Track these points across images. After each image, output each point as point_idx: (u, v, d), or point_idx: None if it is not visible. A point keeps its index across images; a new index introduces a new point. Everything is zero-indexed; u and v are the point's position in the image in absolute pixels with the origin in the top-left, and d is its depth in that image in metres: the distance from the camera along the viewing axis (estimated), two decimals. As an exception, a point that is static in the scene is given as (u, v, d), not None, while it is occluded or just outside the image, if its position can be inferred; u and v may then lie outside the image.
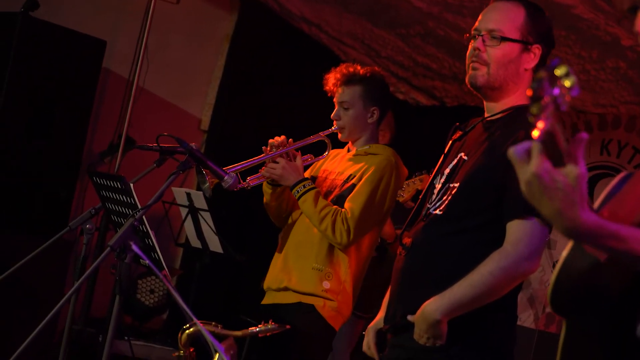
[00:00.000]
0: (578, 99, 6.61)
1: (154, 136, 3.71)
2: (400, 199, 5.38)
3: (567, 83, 1.63)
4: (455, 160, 3.17)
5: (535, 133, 1.66)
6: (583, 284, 1.97)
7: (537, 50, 3.09)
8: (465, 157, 3.14)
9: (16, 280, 3.90)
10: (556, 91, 1.63)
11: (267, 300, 4.36)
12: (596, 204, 2.02)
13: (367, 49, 7.46)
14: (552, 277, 2.00)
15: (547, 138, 1.67)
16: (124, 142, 6.64)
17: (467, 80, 3.14)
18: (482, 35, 3.09)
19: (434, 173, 3.27)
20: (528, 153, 1.71)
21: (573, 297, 2.00)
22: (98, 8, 7.08)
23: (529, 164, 1.71)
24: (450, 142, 3.30)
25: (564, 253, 1.99)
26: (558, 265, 2.00)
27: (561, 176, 1.70)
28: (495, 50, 3.07)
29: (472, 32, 3.14)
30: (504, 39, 3.06)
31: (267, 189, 4.37)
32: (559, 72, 1.64)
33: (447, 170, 3.18)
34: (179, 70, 7.61)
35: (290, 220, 4.41)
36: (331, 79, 4.38)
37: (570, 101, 1.65)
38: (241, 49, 7.75)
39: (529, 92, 1.65)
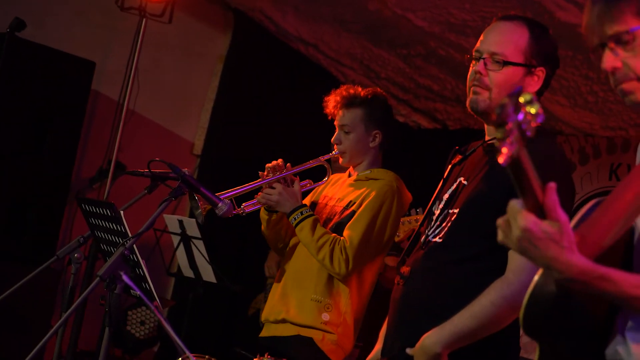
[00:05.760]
0: (586, 121, 6.67)
1: (144, 161, 3.71)
2: (396, 239, 5.25)
3: (532, 110, 1.66)
4: (455, 185, 3.11)
5: (500, 159, 1.70)
6: (555, 307, 1.98)
7: (540, 73, 3.03)
8: (465, 182, 3.07)
9: (1, 311, 3.80)
10: (520, 117, 1.67)
11: (264, 333, 4.27)
12: None
13: (366, 69, 7.53)
14: (524, 299, 2.02)
15: (513, 163, 1.71)
16: (113, 168, 6.69)
17: (467, 104, 3.09)
18: (484, 59, 3.02)
19: (432, 198, 3.20)
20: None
21: (545, 319, 2.01)
22: (87, 28, 7.09)
23: (516, 221, 1.84)
24: (450, 166, 3.24)
25: (536, 277, 2.01)
26: (530, 288, 2.02)
27: (548, 226, 1.82)
28: (498, 74, 3.00)
29: (474, 53, 3.08)
30: (506, 63, 2.99)
31: (264, 216, 4.29)
32: (523, 99, 1.67)
33: (446, 196, 3.12)
34: (171, 93, 7.63)
35: (289, 248, 4.33)
36: (331, 102, 4.30)
37: (536, 127, 1.67)
38: (235, 70, 7.76)
39: (493, 117, 1.70)
